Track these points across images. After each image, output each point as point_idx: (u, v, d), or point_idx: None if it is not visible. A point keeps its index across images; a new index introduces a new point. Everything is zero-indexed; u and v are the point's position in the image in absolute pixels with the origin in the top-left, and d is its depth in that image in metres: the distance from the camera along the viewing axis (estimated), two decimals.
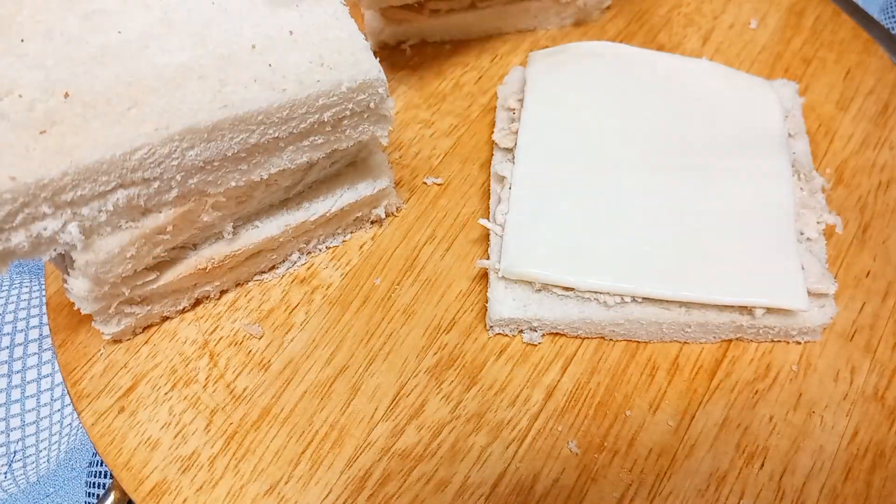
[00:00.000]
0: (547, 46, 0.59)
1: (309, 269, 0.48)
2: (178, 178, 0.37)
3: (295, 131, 0.39)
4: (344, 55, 0.39)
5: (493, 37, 0.60)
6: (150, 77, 0.37)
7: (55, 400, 0.57)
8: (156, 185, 0.36)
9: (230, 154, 0.37)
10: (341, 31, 0.40)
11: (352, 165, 0.47)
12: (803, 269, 0.44)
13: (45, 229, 0.33)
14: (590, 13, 0.60)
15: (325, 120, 0.39)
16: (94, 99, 0.35)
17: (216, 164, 0.37)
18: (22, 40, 0.38)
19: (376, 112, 0.41)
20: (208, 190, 0.38)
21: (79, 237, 0.35)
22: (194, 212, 0.39)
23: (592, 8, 0.59)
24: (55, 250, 0.35)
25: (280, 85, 0.37)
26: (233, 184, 0.39)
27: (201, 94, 0.36)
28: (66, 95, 0.35)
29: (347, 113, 0.39)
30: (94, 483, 0.54)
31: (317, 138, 0.40)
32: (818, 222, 0.47)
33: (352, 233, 0.49)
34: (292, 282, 0.48)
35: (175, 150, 0.35)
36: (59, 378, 0.57)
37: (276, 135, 0.38)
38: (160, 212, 0.38)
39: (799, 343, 0.46)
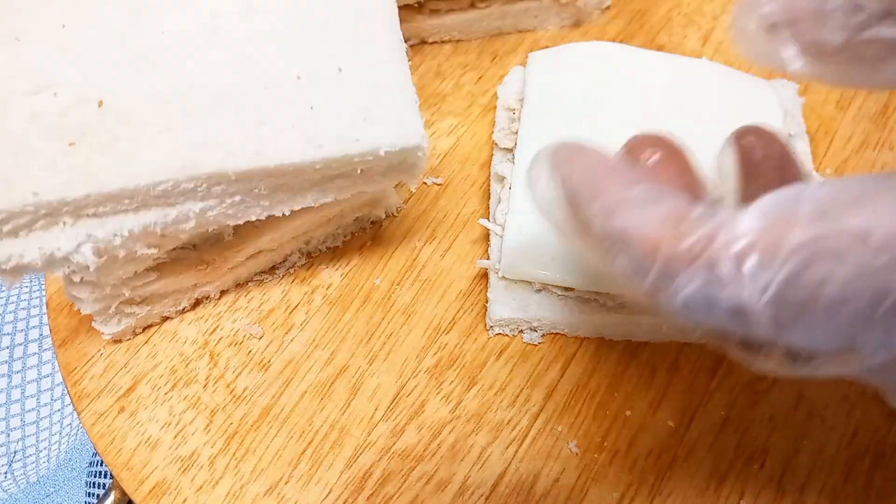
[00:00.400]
0: (547, 46, 0.59)
1: (309, 269, 0.48)
2: (197, 209, 0.36)
3: (324, 177, 0.38)
4: (389, 111, 0.37)
5: (493, 37, 0.60)
6: (188, 96, 0.35)
7: (55, 400, 0.57)
8: (174, 214, 0.36)
9: (256, 192, 0.37)
10: (391, 77, 0.38)
11: None
12: None
13: (58, 249, 0.33)
14: (590, 13, 0.60)
15: (357, 171, 0.38)
16: (128, 114, 0.35)
17: (237, 199, 0.37)
18: (63, 26, 0.36)
19: (411, 167, 0.40)
20: (227, 222, 0.38)
21: (92, 259, 0.34)
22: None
23: (592, 8, 0.59)
24: (69, 268, 0.35)
25: (318, 139, 0.36)
26: (253, 218, 0.39)
27: (236, 130, 0.35)
28: (100, 104, 0.34)
29: (381, 168, 0.39)
30: (94, 483, 0.54)
31: (344, 182, 0.39)
32: None
33: (352, 233, 0.49)
34: (292, 282, 0.48)
35: (201, 185, 0.35)
36: (59, 378, 0.57)
37: (305, 178, 0.38)
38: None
39: None
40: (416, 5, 0.56)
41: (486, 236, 0.48)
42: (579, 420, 0.43)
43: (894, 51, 0.26)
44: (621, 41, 0.59)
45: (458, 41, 0.60)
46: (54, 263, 0.34)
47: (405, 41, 0.58)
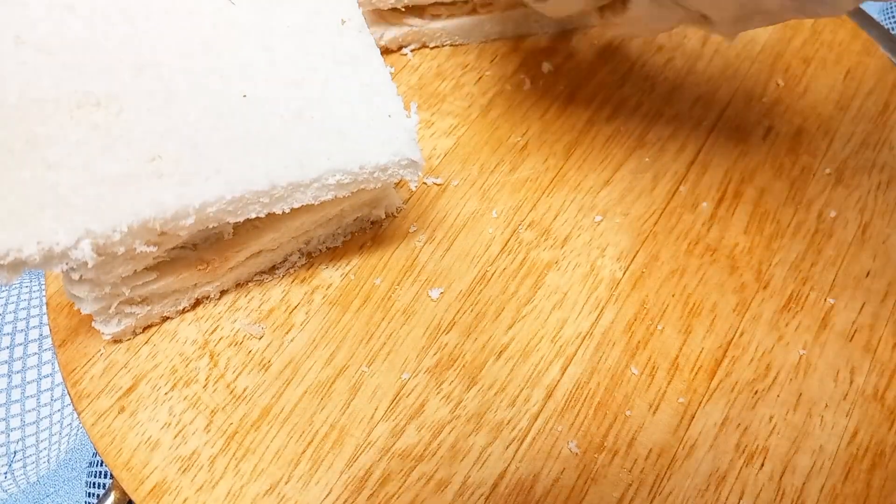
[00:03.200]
0: (546, 48, 0.59)
1: (309, 269, 0.48)
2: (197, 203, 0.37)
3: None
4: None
5: (494, 39, 0.60)
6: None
7: (55, 400, 0.56)
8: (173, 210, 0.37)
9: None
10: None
11: None
12: None
13: (56, 244, 0.33)
14: (590, 16, 0.60)
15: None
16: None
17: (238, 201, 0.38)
18: None
19: (408, 169, 0.42)
20: (227, 220, 0.38)
21: (91, 255, 0.35)
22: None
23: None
24: (67, 265, 0.35)
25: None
26: (252, 215, 0.39)
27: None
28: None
29: (379, 173, 0.41)
30: (94, 483, 0.54)
31: (344, 177, 0.40)
32: None
33: (352, 233, 0.49)
34: (292, 282, 0.48)
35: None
36: (59, 378, 0.57)
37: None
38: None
39: None
40: (417, 9, 0.56)
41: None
42: (579, 420, 0.43)
43: None
44: (621, 42, 0.59)
45: (458, 44, 0.60)
46: (53, 259, 0.34)
47: (407, 45, 0.59)
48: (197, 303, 0.46)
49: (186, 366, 0.44)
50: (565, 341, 0.46)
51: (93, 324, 0.43)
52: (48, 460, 0.56)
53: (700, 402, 0.44)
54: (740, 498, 0.41)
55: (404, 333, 0.46)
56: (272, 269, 0.48)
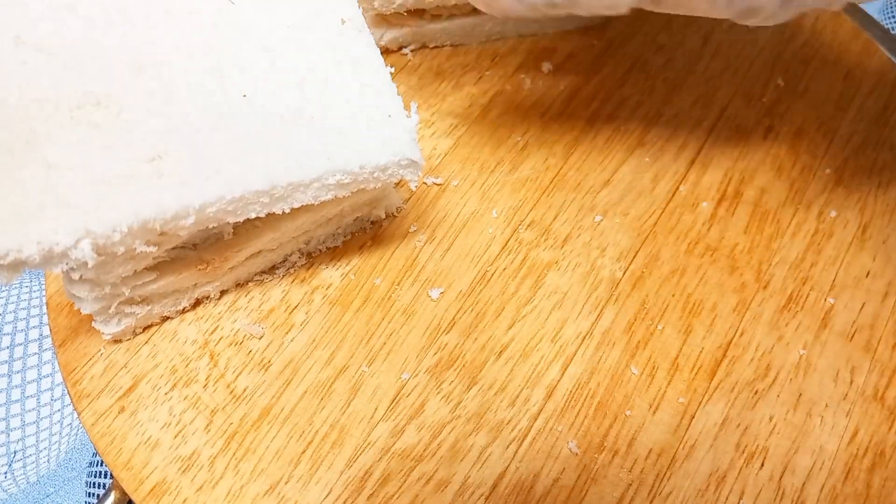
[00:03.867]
0: (546, 48, 0.59)
1: (309, 269, 0.48)
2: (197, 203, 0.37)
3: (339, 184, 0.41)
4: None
5: (494, 39, 0.60)
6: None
7: (55, 400, 0.57)
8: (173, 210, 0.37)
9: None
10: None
11: None
12: None
13: (56, 245, 0.33)
14: (591, 17, 0.60)
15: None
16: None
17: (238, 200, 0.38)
18: None
19: (408, 169, 0.42)
20: (227, 220, 0.38)
21: (91, 255, 0.35)
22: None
23: None
24: (67, 265, 0.35)
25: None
26: (252, 215, 0.39)
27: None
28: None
29: (379, 174, 0.41)
30: (94, 483, 0.54)
31: (344, 177, 0.40)
32: None
33: (352, 233, 0.49)
34: (292, 282, 0.48)
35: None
36: (59, 378, 0.57)
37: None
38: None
39: None
40: (418, 11, 0.56)
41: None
42: (579, 420, 0.43)
43: None
44: (621, 42, 0.59)
45: (458, 44, 0.60)
46: (53, 259, 0.34)
47: (407, 45, 0.59)
48: (197, 303, 0.46)
49: (186, 366, 0.44)
50: (565, 341, 0.46)
51: (93, 324, 0.43)
52: (48, 460, 0.56)
53: (700, 402, 0.44)
54: (740, 498, 0.41)
55: (404, 333, 0.46)
56: (272, 269, 0.48)
